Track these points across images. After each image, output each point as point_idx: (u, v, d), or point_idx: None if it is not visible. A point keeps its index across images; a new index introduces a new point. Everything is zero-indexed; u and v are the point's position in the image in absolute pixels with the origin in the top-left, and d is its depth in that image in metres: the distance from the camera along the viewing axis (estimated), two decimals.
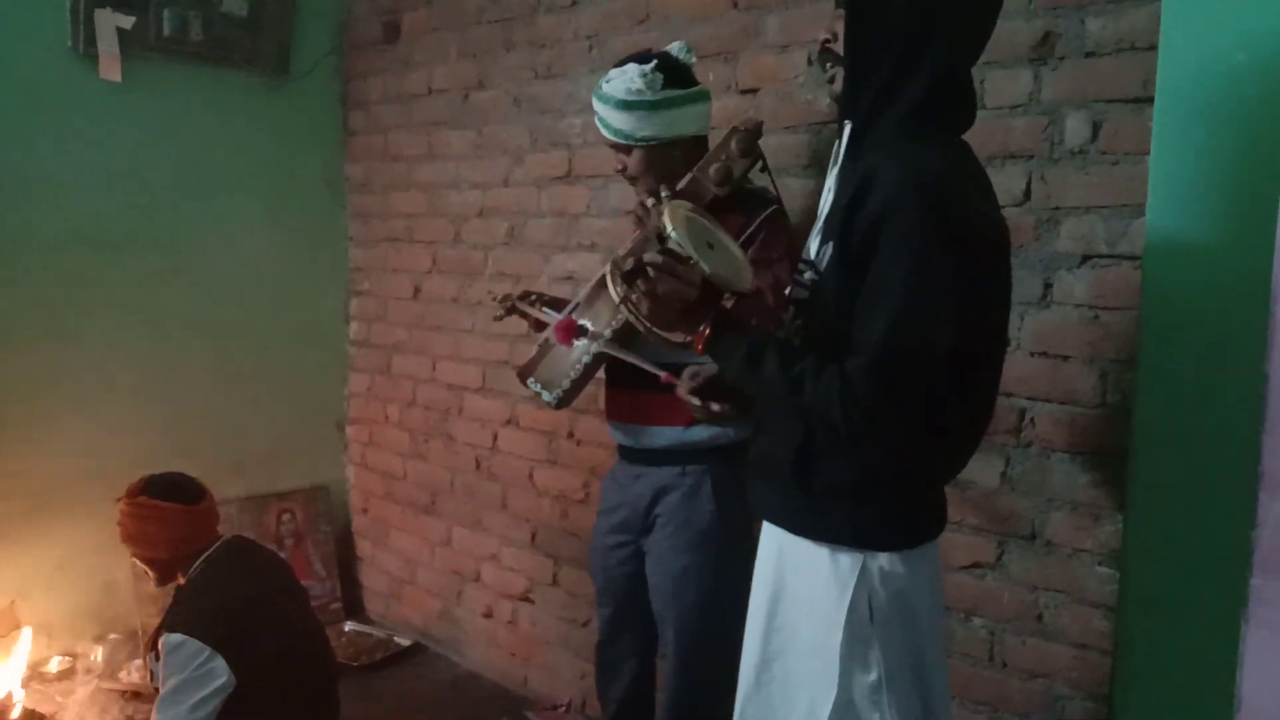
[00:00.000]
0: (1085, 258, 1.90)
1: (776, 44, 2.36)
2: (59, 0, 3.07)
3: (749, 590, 2.16)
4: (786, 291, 1.57)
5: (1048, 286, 1.95)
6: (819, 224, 1.52)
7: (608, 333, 2.01)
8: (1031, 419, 1.99)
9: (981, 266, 1.39)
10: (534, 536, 3.11)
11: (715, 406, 1.61)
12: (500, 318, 2.30)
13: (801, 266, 1.53)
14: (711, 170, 2.01)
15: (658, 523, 2.14)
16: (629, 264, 1.46)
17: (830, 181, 1.53)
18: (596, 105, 2.09)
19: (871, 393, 1.31)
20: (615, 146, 2.10)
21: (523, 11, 3.01)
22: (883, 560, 1.45)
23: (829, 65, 1.49)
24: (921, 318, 1.31)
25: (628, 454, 2.23)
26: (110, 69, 3.15)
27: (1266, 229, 1.57)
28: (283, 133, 3.62)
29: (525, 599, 3.16)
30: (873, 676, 1.44)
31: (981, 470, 2.06)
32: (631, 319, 1.49)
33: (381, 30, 3.53)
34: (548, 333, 2.15)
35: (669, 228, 1.45)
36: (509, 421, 3.17)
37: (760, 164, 2.07)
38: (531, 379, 2.14)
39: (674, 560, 2.11)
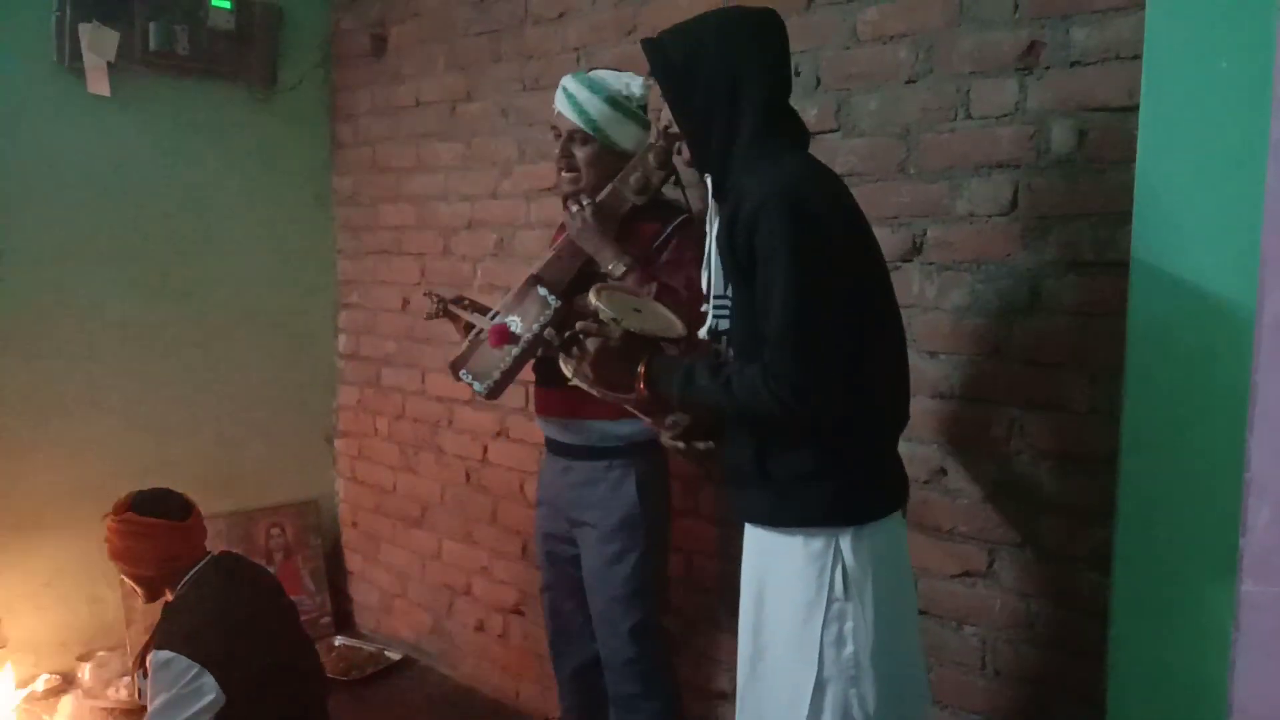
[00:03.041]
0: (1072, 265, 1.91)
1: None
2: (43, 15, 3.07)
3: (666, 577, 2.36)
4: (705, 328, 1.74)
5: (1035, 294, 1.95)
6: (712, 262, 1.71)
7: (535, 328, 2.16)
8: (1020, 426, 1.99)
9: (846, 236, 1.58)
10: (525, 549, 3.10)
11: (700, 445, 1.74)
12: (432, 316, 2.39)
13: (718, 301, 1.70)
14: (631, 180, 2.16)
15: (586, 514, 2.28)
16: (561, 339, 1.76)
17: (711, 226, 1.73)
18: (577, 87, 2.18)
19: (788, 367, 1.49)
20: (574, 132, 2.19)
21: (510, 23, 3.01)
22: (853, 535, 1.57)
23: (675, 142, 1.75)
24: (807, 291, 1.49)
25: (556, 447, 2.36)
26: (98, 83, 3.14)
27: (1252, 236, 1.58)
28: (270, 146, 3.61)
29: (517, 612, 3.15)
30: (848, 651, 1.55)
31: (971, 478, 2.06)
32: (585, 387, 1.71)
33: (369, 43, 3.53)
34: (480, 332, 2.26)
35: (593, 301, 1.69)
36: (499, 434, 3.16)
37: (674, 178, 2.22)
38: (464, 370, 2.26)
39: (601, 549, 2.25)
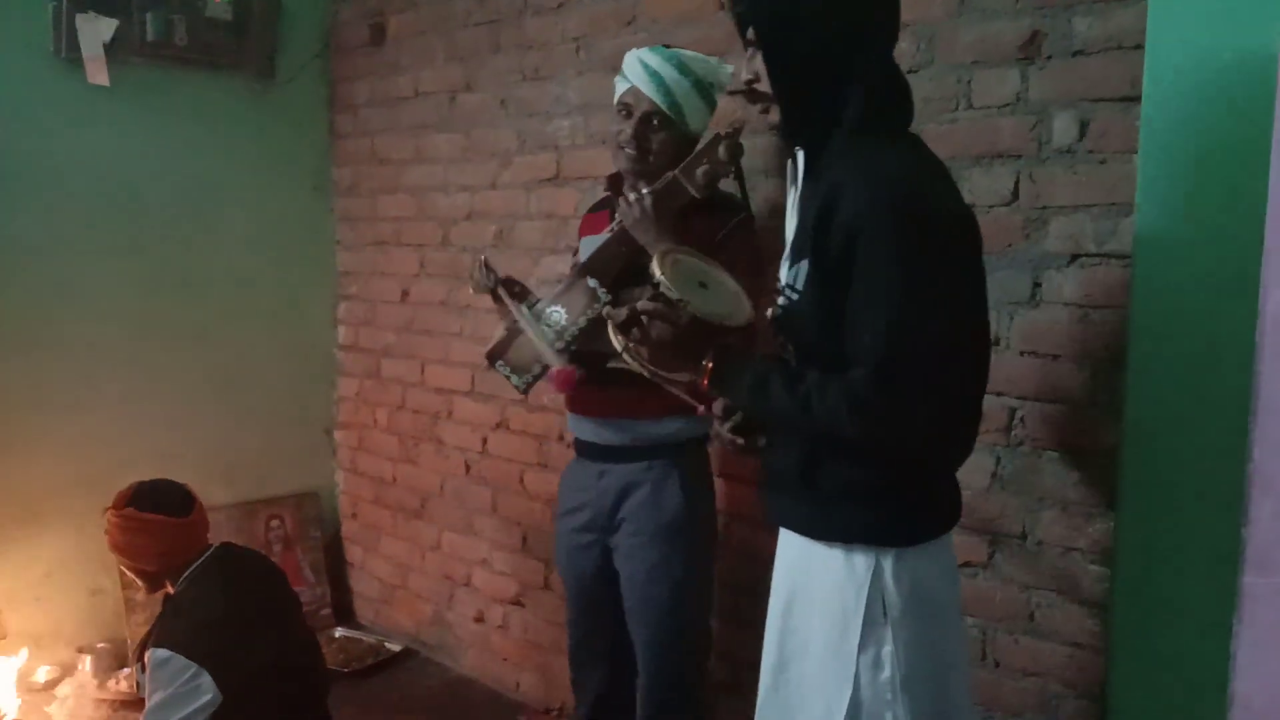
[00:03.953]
0: (1074, 257, 1.90)
1: None
2: (40, 6, 3.05)
3: (713, 581, 2.22)
4: (768, 313, 1.59)
5: (1036, 286, 1.95)
6: (787, 249, 1.54)
7: (582, 321, 2.02)
8: (1021, 418, 1.99)
9: (959, 256, 1.42)
10: (525, 540, 3.10)
11: (762, 441, 1.58)
12: (480, 290, 2.24)
13: (779, 286, 1.54)
14: (699, 173, 1.99)
15: (626, 518, 2.15)
16: (622, 315, 1.52)
17: (792, 206, 1.55)
18: (661, 64, 2.03)
19: (878, 400, 1.34)
20: (653, 113, 2.04)
21: (510, 14, 3.00)
22: (896, 557, 1.45)
23: (759, 101, 1.50)
24: (914, 319, 1.33)
25: (591, 450, 2.22)
26: (97, 73, 3.13)
27: (1255, 226, 1.57)
28: (269, 137, 3.60)
29: (516, 603, 3.15)
30: (885, 674, 1.44)
31: (972, 470, 2.06)
32: (635, 365, 1.53)
33: (368, 33, 3.52)
34: (522, 327, 2.12)
35: (657, 274, 1.49)
36: (499, 425, 3.16)
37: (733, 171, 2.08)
38: (501, 362, 2.12)
39: (645, 554, 2.12)
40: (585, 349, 2.03)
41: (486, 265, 2.22)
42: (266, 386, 3.66)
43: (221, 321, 3.53)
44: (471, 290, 2.27)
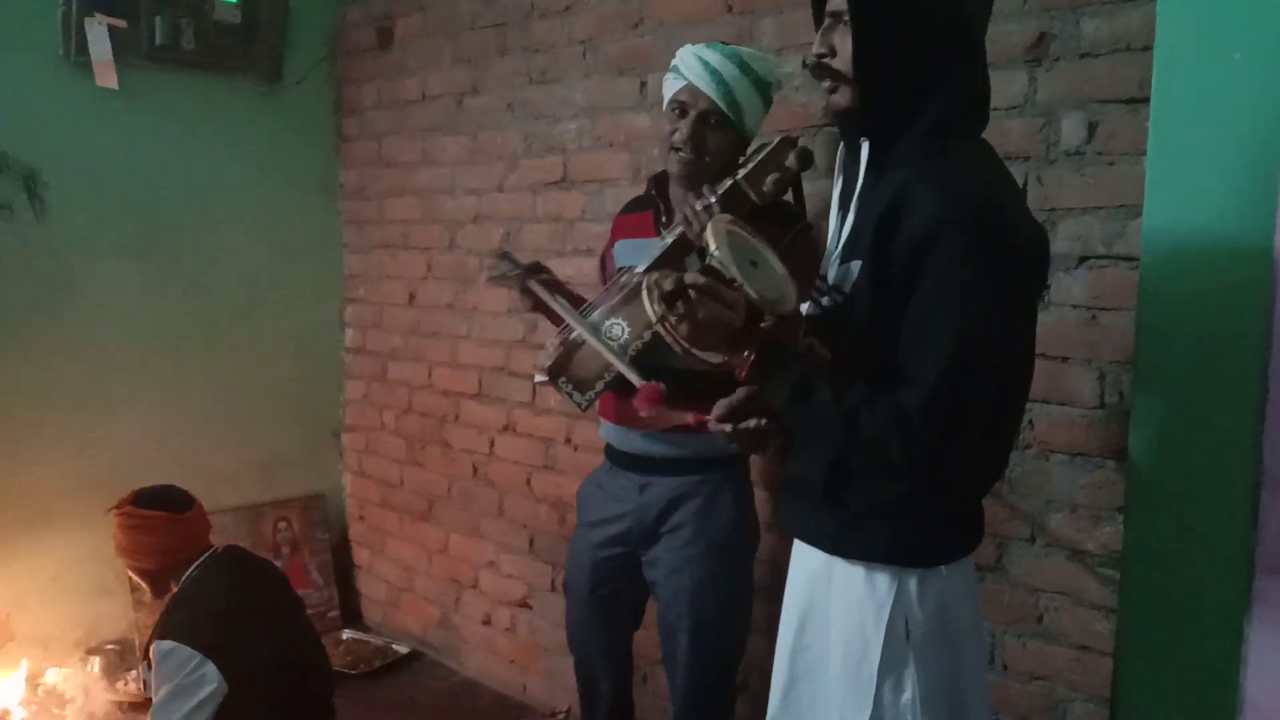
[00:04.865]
0: (1082, 259, 1.90)
1: (771, 48, 2.36)
2: (49, 10, 3.06)
3: (753, 596, 2.17)
4: (803, 311, 1.53)
5: (1045, 287, 1.94)
6: (838, 247, 1.46)
7: (647, 335, 1.90)
8: (1030, 420, 1.98)
9: (1028, 283, 1.37)
10: (532, 543, 3.10)
11: (752, 423, 1.47)
12: (499, 282, 2.08)
13: (819, 285, 1.48)
14: (769, 180, 1.90)
15: (671, 531, 2.08)
16: (669, 285, 1.38)
17: (845, 202, 1.48)
18: (721, 61, 1.92)
19: (930, 428, 1.28)
20: (711, 113, 1.93)
21: (516, 17, 3.01)
22: (920, 577, 1.41)
23: (827, 79, 1.41)
24: (977, 350, 1.27)
25: (633, 462, 2.13)
26: (106, 76, 3.14)
27: (1264, 228, 1.57)
28: (276, 139, 3.61)
29: (524, 606, 3.15)
30: (906, 696, 1.40)
31: None
32: (669, 339, 1.42)
33: (375, 36, 3.53)
34: (573, 335, 1.99)
35: (712, 245, 1.38)
36: (506, 428, 3.16)
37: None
38: (563, 379, 2.00)
39: (694, 568, 2.05)
40: (649, 364, 1.87)
41: (506, 255, 2.09)
42: (274, 389, 3.66)
43: (229, 324, 3.53)
44: (486, 281, 2.12)
